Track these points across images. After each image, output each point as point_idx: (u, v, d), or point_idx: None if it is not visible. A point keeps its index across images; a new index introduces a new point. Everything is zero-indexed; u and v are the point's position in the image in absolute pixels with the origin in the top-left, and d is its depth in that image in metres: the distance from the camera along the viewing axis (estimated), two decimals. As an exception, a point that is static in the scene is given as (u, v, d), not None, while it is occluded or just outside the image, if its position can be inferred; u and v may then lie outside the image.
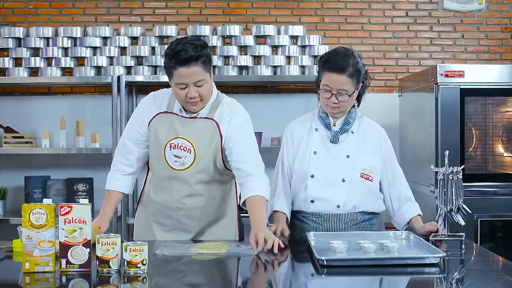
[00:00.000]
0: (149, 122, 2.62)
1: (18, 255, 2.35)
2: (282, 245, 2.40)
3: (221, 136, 2.59)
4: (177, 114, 2.60)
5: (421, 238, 2.45)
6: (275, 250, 2.35)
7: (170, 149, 2.58)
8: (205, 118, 2.59)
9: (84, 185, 4.38)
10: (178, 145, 2.57)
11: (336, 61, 2.59)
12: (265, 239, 2.37)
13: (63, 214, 2.05)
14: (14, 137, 4.40)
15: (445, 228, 2.50)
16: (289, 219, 2.74)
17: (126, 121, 4.28)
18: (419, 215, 2.75)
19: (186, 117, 2.59)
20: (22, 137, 4.42)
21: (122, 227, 4.23)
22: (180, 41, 2.48)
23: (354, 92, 2.62)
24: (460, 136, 3.81)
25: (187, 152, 2.57)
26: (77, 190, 4.37)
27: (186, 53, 2.41)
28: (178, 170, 2.58)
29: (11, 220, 4.29)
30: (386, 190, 2.77)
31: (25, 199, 4.43)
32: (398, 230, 2.74)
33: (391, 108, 4.54)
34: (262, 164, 2.65)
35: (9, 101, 4.61)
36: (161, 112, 2.62)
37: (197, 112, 2.59)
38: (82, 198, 4.20)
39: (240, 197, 2.66)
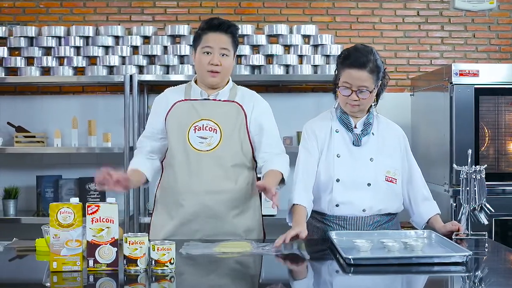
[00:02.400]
0: (167, 113, 2.67)
1: (41, 254, 2.35)
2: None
3: (245, 116, 2.66)
4: (196, 99, 2.66)
5: (443, 237, 2.45)
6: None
7: (195, 132, 2.62)
8: (226, 101, 2.67)
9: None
10: (203, 127, 2.62)
11: (356, 57, 2.56)
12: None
13: (91, 213, 2.05)
14: (25, 137, 4.40)
15: (468, 227, 2.50)
16: (309, 214, 2.67)
17: (138, 120, 4.31)
18: (437, 214, 2.75)
19: (208, 99, 2.65)
20: (34, 137, 4.42)
21: (135, 226, 4.23)
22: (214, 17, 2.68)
23: (374, 89, 2.59)
24: (475, 136, 3.80)
25: (213, 132, 2.62)
26: (89, 189, 4.37)
27: (218, 20, 2.62)
28: (204, 151, 2.61)
29: (22, 220, 4.30)
30: (405, 190, 2.74)
31: (36, 198, 4.43)
32: (417, 229, 2.73)
33: (402, 108, 4.54)
34: (283, 146, 2.79)
35: (20, 100, 4.60)
36: (179, 100, 2.67)
37: (216, 92, 2.66)
38: (93, 197, 4.29)
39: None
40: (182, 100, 2.68)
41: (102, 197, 4.32)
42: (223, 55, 2.61)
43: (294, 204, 2.62)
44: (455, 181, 3.77)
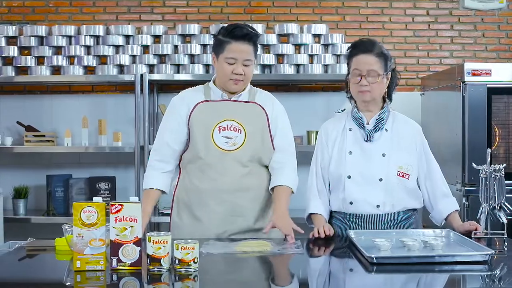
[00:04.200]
0: (190, 114, 2.67)
1: (61, 253, 2.35)
2: (301, 231, 2.55)
3: (267, 116, 2.71)
4: (219, 100, 2.69)
5: (462, 236, 2.45)
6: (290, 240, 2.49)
7: (219, 132, 2.64)
8: (247, 102, 2.71)
9: (107, 184, 4.38)
10: (228, 127, 2.65)
11: (362, 44, 2.68)
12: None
13: (114, 212, 2.04)
14: (35, 136, 4.39)
15: (487, 226, 2.50)
16: (326, 220, 2.74)
17: (149, 119, 4.30)
18: (456, 210, 2.75)
19: (230, 100, 2.68)
20: (43, 136, 4.42)
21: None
22: (235, 23, 2.69)
23: (383, 75, 2.64)
24: (487, 135, 3.80)
25: (237, 132, 2.66)
26: (100, 188, 4.37)
27: (243, 30, 2.61)
28: (229, 150, 2.64)
29: (32, 219, 4.30)
30: (423, 186, 2.76)
31: (47, 198, 4.42)
32: (437, 227, 2.73)
33: (412, 107, 4.52)
34: (295, 156, 2.79)
35: (30, 99, 4.60)
36: (201, 102, 2.69)
37: (237, 94, 2.70)
38: (104, 197, 4.29)
39: None
40: (204, 101, 2.69)
41: (113, 197, 4.32)
42: (246, 65, 2.64)
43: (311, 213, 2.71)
44: (468, 180, 3.77)
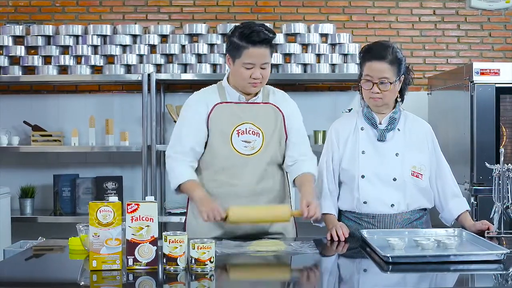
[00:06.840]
0: (209, 115, 2.64)
1: (75, 253, 2.35)
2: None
3: (283, 116, 2.68)
4: (235, 102, 2.66)
5: (475, 235, 2.45)
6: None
7: (238, 136, 2.62)
8: (262, 103, 2.68)
9: (114, 184, 4.38)
10: (246, 131, 2.62)
11: (376, 50, 2.63)
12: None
13: (130, 212, 2.04)
14: (42, 135, 4.39)
15: (500, 225, 2.50)
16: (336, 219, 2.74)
17: (156, 119, 4.30)
18: (467, 210, 2.75)
19: (246, 103, 2.66)
20: (50, 135, 4.42)
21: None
22: (250, 24, 2.60)
23: (396, 82, 2.62)
24: (496, 135, 3.81)
25: (256, 136, 2.63)
26: (107, 188, 4.37)
27: (261, 35, 2.53)
28: (248, 155, 2.61)
29: (39, 219, 4.30)
30: (434, 186, 2.76)
31: (53, 197, 4.42)
32: (448, 227, 2.74)
33: (419, 106, 4.51)
34: (310, 147, 2.77)
35: (36, 99, 4.60)
36: (219, 103, 2.66)
37: (255, 95, 2.67)
38: (112, 196, 4.28)
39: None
40: (221, 103, 2.66)
41: (120, 196, 4.32)
42: (264, 68, 2.59)
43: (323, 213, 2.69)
44: (476, 180, 3.77)
